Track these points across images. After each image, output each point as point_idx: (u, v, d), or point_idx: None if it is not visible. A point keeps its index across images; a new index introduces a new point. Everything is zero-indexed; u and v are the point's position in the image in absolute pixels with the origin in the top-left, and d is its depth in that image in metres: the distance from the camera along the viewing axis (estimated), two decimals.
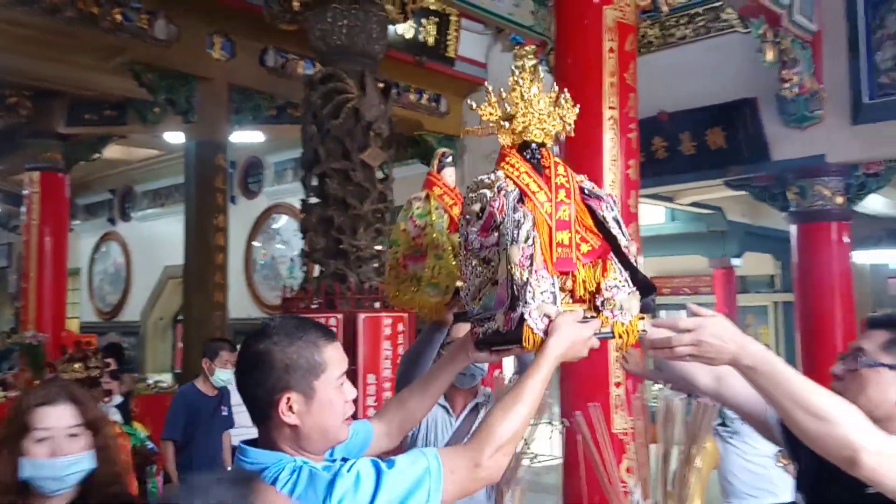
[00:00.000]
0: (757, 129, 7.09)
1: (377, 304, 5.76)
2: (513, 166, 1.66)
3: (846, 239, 7.24)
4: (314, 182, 5.95)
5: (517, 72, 1.73)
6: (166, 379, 10.70)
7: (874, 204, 10.13)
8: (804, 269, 7.36)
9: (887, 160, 7.18)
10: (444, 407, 2.67)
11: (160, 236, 14.27)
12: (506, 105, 1.72)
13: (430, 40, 8.30)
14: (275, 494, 1.38)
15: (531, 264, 1.53)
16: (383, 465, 1.44)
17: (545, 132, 1.69)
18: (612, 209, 1.72)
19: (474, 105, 1.78)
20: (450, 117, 9.73)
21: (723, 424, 4.08)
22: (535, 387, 1.54)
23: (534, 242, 1.54)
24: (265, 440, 1.54)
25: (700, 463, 1.58)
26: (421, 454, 1.47)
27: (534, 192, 1.62)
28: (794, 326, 13.18)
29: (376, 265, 5.94)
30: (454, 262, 2.04)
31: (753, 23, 6.46)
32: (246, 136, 9.85)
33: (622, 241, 1.67)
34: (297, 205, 11.57)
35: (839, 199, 7.23)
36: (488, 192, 1.62)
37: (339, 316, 5.57)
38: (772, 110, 7.13)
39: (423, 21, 8.13)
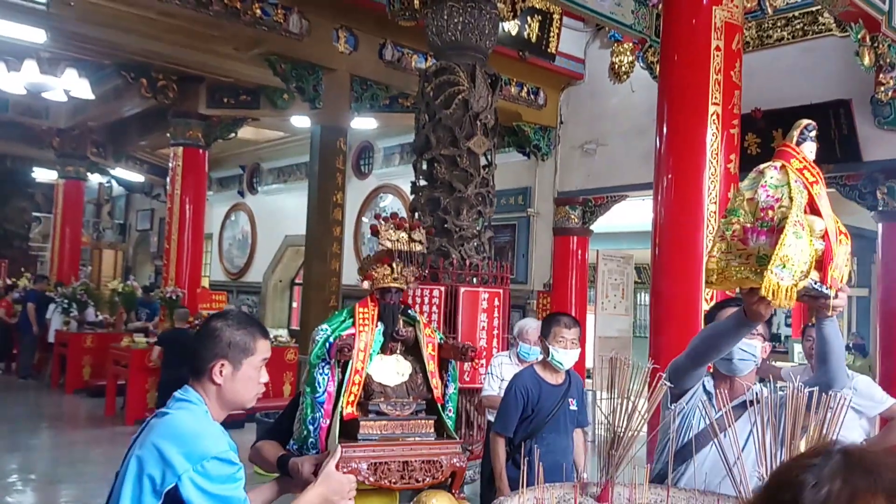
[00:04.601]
0: (850, 130, 6.64)
1: (475, 280, 5.70)
2: None
3: None
4: (424, 166, 5.92)
5: None
6: (283, 334, 11.00)
7: None
8: (889, 266, 6.88)
9: None
10: (708, 393, 2.16)
11: (282, 209, 14.65)
12: None
13: (533, 37, 8.10)
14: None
15: None
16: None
17: None
18: None
19: None
20: (547, 109, 9.52)
21: None
22: None
23: None
24: (193, 384, 1.80)
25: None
26: None
27: None
28: (868, 319, 12.52)
29: (476, 244, 5.87)
30: (812, 246, 1.60)
31: (852, 28, 6.02)
32: (361, 123, 9.94)
33: None
34: (402, 186, 11.66)
35: None
36: None
37: (442, 288, 5.54)
38: (865, 112, 6.67)
39: (528, 18, 7.94)
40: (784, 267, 1.57)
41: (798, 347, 7.12)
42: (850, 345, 9.24)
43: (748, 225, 1.68)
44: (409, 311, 2.27)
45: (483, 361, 5.35)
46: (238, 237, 16.66)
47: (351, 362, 2.05)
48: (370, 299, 2.18)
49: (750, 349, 2.12)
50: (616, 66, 8.64)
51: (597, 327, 9.33)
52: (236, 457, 1.69)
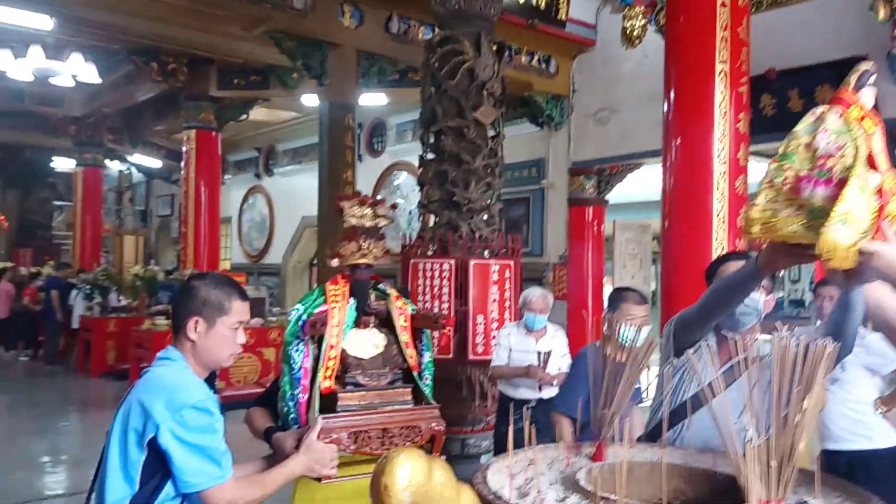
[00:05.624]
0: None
1: (486, 252, 5.68)
2: None
3: None
4: (431, 139, 5.87)
5: None
6: None
7: None
8: None
9: None
10: (710, 348, 2.11)
11: (298, 190, 14.68)
12: None
13: (542, 3, 7.97)
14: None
15: None
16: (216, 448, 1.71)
17: None
18: None
19: None
20: (558, 78, 9.39)
21: None
22: (276, 481, 1.89)
23: None
24: (174, 343, 1.89)
25: (811, 406, 1.39)
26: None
27: None
28: None
29: (486, 217, 5.84)
30: (874, 204, 1.42)
31: None
32: (371, 99, 9.89)
33: None
34: (416, 162, 11.64)
35: None
36: None
37: (452, 262, 5.53)
38: (882, 68, 6.47)
39: None
40: (845, 223, 1.41)
41: None
42: None
43: (803, 173, 1.49)
44: (380, 286, 2.31)
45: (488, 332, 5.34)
46: (256, 219, 16.76)
47: (326, 338, 2.08)
48: (341, 276, 2.22)
49: (752, 303, 2.04)
50: (628, 31, 8.47)
51: None
52: (216, 407, 1.74)
